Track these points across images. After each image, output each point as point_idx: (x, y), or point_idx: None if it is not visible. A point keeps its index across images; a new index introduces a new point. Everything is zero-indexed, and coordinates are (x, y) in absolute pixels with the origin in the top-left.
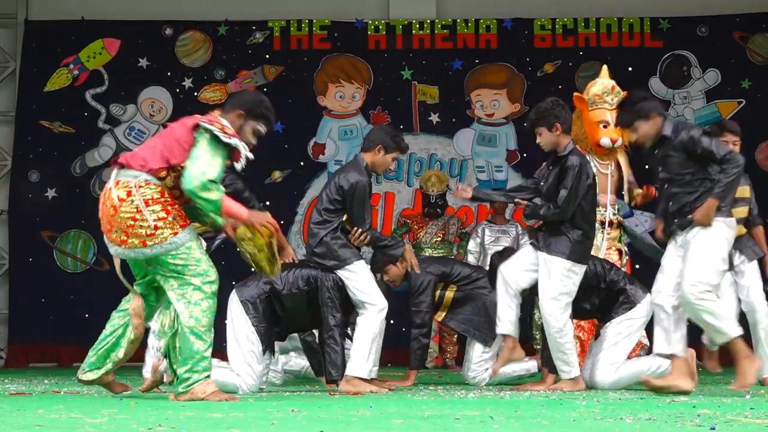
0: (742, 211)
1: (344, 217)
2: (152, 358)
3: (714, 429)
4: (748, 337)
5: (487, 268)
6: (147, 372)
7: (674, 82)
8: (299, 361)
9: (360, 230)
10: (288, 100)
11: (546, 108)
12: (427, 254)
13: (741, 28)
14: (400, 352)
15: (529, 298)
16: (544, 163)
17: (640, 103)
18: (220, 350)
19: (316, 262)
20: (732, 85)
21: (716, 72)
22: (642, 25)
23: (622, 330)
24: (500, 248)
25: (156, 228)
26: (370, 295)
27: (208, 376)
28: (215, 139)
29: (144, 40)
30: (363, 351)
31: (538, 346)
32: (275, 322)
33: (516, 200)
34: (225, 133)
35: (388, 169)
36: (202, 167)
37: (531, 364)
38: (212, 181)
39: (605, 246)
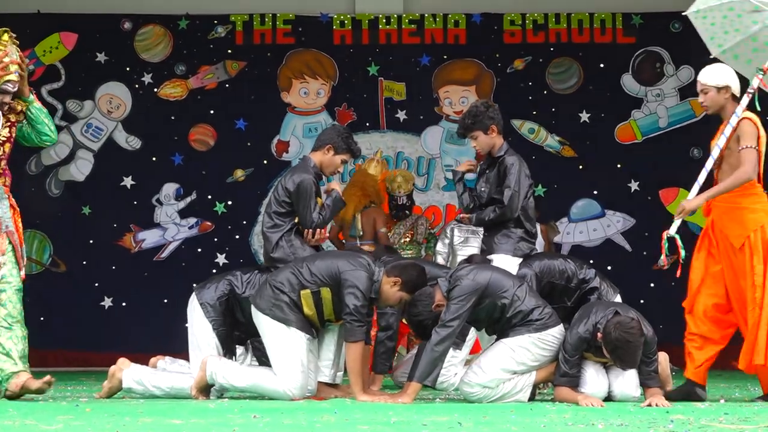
0: None
1: (296, 219)
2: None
3: None
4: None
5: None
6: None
7: (647, 79)
8: None
9: (310, 231)
10: (250, 96)
11: (480, 111)
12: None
13: None
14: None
15: None
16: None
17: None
18: (182, 352)
19: (276, 267)
20: None
21: (690, 69)
22: (614, 20)
23: None
24: (470, 249)
25: None
26: None
27: None
28: None
29: (102, 34)
30: (329, 355)
31: None
32: (235, 325)
33: (458, 217)
34: None
35: (336, 171)
36: None
37: None
38: None
39: None
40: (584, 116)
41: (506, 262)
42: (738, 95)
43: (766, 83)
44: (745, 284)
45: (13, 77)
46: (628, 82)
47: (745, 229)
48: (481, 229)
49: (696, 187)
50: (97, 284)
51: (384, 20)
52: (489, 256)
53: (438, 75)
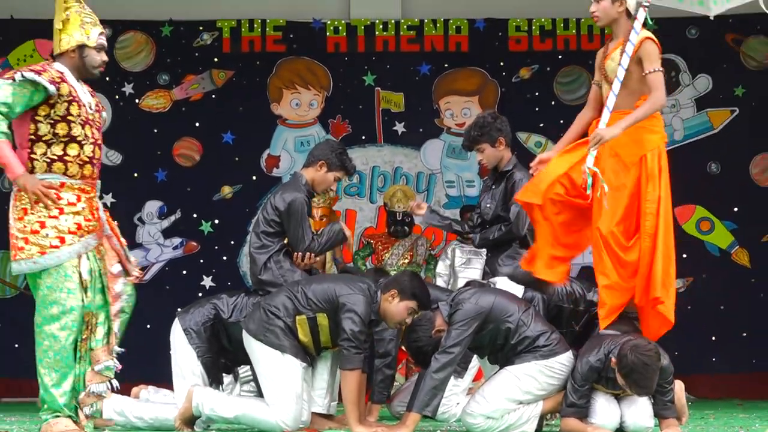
0: None
1: (285, 240)
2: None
3: None
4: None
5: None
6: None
7: None
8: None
9: (301, 254)
10: (239, 108)
11: (488, 122)
12: None
13: (734, 30)
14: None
15: None
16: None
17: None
18: (165, 381)
19: (264, 290)
20: (724, 92)
21: (707, 78)
22: None
23: None
24: (472, 270)
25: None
26: None
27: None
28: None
29: None
30: (322, 384)
31: None
32: (221, 352)
33: (466, 235)
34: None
35: (329, 189)
36: None
37: None
38: None
39: None
40: None
41: (511, 284)
42: (632, 12)
43: None
44: (629, 202)
45: (103, 29)
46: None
47: (641, 147)
48: (483, 250)
49: (606, 114)
50: None
51: (381, 26)
52: (493, 279)
53: (439, 85)
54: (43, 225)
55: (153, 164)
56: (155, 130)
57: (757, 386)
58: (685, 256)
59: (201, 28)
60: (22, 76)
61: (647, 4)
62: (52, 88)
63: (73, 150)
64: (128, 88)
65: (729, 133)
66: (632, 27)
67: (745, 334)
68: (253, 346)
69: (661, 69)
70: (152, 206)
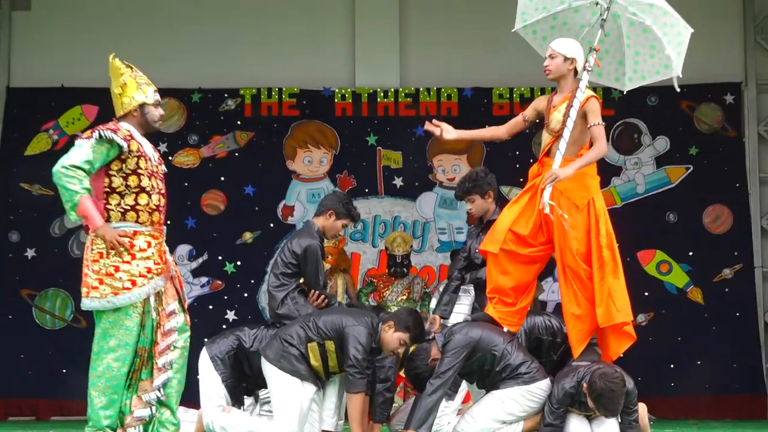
0: None
1: (301, 280)
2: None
3: None
4: None
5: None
6: None
7: (626, 148)
8: None
9: (317, 293)
10: (258, 164)
11: (480, 177)
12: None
13: (688, 98)
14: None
15: None
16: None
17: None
18: (191, 402)
19: (281, 324)
20: (680, 151)
21: (665, 139)
22: None
23: None
24: (461, 306)
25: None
26: None
27: None
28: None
29: None
30: (330, 406)
31: None
32: (243, 377)
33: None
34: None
35: (337, 235)
36: (65, 156)
37: None
38: (72, 167)
39: None
40: None
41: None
42: (579, 72)
43: (599, 61)
44: (586, 239)
45: (156, 87)
46: (608, 152)
47: (588, 191)
48: (471, 287)
49: (559, 157)
50: None
51: (382, 94)
52: (480, 313)
53: (432, 145)
54: (117, 269)
55: (183, 213)
56: (186, 184)
57: (710, 408)
58: (647, 294)
59: (226, 95)
60: (100, 135)
61: (590, 69)
62: (124, 145)
63: (143, 200)
64: (162, 147)
65: (685, 187)
66: (578, 86)
67: (699, 362)
68: (268, 370)
69: (602, 123)
70: (183, 249)
